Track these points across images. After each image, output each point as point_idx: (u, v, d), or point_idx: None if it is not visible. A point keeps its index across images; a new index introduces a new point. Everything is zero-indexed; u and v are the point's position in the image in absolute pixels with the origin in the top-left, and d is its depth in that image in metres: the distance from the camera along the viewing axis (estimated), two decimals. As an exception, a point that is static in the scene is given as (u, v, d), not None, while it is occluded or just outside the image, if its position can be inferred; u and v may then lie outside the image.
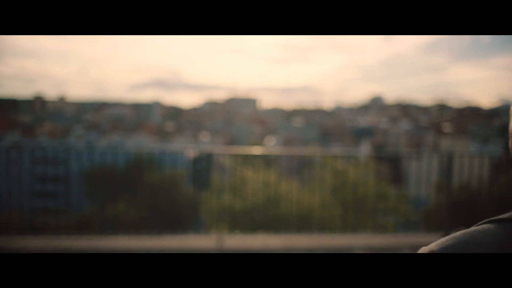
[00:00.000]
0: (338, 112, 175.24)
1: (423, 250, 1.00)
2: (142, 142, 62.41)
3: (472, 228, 0.95)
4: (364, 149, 79.03)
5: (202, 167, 29.47)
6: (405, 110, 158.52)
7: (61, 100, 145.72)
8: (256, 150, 5.26)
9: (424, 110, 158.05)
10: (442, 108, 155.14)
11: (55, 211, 20.14)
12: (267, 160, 14.77)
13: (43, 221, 16.59)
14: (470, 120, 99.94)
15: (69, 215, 21.16)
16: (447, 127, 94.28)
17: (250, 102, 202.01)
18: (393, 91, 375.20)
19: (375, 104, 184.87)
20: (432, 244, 0.98)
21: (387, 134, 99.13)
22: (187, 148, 57.59)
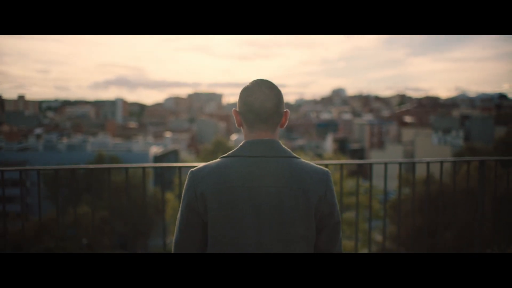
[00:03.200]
0: (301, 105, 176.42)
1: (191, 170, 1.55)
2: (105, 142, 61.12)
3: (218, 159, 1.53)
4: (329, 143, 79.69)
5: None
6: (367, 102, 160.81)
7: (21, 100, 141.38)
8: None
9: (385, 101, 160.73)
10: (402, 99, 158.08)
11: (13, 215, 19.41)
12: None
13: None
14: (430, 110, 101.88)
15: (28, 219, 20.46)
16: (408, 118, 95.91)
17: (214, 97, 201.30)
18: (355, 84, 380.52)
19: (338, 96, 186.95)
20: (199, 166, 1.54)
21: (351, 126, 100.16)
22: (150, 147, 56.78)
